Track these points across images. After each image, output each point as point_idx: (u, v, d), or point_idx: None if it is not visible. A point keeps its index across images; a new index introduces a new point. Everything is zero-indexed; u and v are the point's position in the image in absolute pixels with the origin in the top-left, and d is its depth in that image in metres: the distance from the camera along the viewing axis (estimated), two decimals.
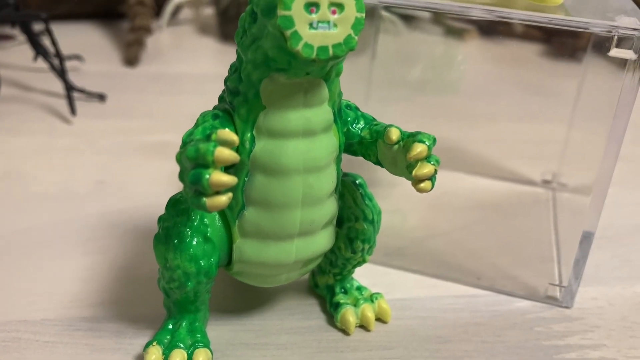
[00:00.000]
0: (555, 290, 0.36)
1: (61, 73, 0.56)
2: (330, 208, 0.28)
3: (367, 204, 0.31)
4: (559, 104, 0.53)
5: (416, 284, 0.37)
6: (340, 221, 0.31)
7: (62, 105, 0.58)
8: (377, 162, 0.28)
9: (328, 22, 0.23)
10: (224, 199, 0.22)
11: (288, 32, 0.22)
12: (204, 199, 0.22)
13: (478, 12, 0.31)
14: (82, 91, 0.58)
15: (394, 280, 0.37)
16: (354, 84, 0.52)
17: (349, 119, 0.29)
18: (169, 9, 0.83)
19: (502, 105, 0.62)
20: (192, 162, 0.22)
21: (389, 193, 0.43)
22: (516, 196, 0.48)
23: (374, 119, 0.29)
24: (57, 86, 0.61)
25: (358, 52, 0.49)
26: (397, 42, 0.53)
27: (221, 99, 0.28)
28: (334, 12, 0.23)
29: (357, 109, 0.29)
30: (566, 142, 0.49)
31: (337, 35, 0.23)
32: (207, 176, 0.22)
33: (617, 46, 0.29)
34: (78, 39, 0.77)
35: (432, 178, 0.26)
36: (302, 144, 0.26)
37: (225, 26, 0.80)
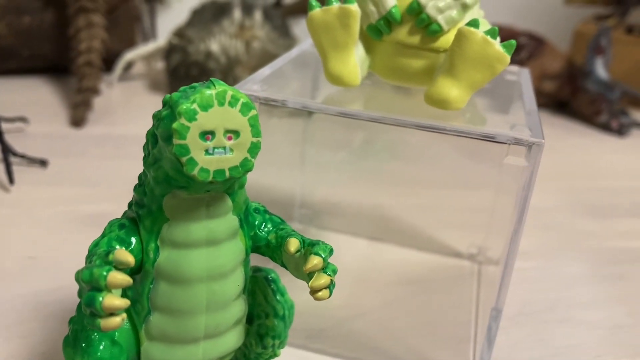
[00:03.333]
0: None
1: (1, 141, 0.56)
2: (236, 310, 0.29)
3: (278, 300, 0.32)
4: (489, 172, 0.55)
5: None
6: (251, 318, 0.32)
7: (2, 171, 0.58)
8: (283, 265, 0.30)
9: (224, 147, 0.24)
10: (117, 321, 0.23)
11: (184, 159, 0.24)
12: (99, 319, 0.23)
13: (389, 120, 0.32)
14: (23, 157, 0.59)
15: None
16: (289, 147, 0.54)
17: (256, 222, 0.30)
18: (120, 64, 0.85)
19: (438, 170, 0.64)
20: (87, 285, 0.23)
21: None
22: (443, 270, 0.49)
23: (282, 222, 0.30)
24: None
25: (293, 114, 0.51)
26: None
27: (130, 205, 0.29)
28: (229, 138, 0.25)
29: (265, 212, 0.30)
30: (492, 212, 0.51)
31: (234, 159, 0.25)
32: (101, 299, 0.23)
33: (512, 152, 0.31)
34: (26, 95, 0.78)
35: (329, 287, 0.27)
36: (205, 253, 0.27)
37: (175, 84, 0.81)
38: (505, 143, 0.31)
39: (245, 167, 0.25)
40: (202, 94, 0.24)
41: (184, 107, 0.23)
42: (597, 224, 0.60)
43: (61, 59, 0.83)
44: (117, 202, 0.54)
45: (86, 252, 0.47)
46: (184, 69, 0.78)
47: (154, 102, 0.81)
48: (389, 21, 0.34)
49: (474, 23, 0.32)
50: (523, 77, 0.43)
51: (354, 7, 0.33)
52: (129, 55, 0.84)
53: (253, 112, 0.25)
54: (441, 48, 0.34)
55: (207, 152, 0.24)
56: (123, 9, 0.86)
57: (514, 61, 0.92)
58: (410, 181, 0.62)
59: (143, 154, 0.27)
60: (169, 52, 0.81)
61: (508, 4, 1.12)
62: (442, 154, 0.66)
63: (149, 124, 0.75)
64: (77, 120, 0.70)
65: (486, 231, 0.51)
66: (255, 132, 0.25)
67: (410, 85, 0.36)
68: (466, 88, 0.32)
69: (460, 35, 0.32)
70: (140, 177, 0.28)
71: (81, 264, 0.45)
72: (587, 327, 0.44)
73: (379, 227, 0.54)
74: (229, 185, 0.26)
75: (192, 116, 0.23)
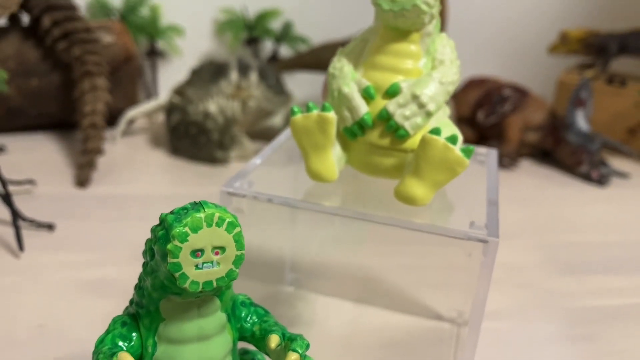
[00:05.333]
0: None
1: (10, 206, 0.60)
2: None
3: None
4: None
5: None
6: None
7: (11, 235, 0.62)
8: (266, 354, 0.33)
9: (212, 262, 0.28)
10: None
11: (177, 274, 0.28)
12: None
13: (363, 216, 0.36)
14: (31, 221, 0.63)
15: None
16: (279, 216, 0.57)
17: (242, 315, 0.34)
18: (123, 121, 0.89)
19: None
20: None
21: (305, 334, 0.48)
22: (424, 333, 0.53)
23: (266, 314, 0.34)
24: (6, 213, 0.66)
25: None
26: None
27: (131, 302, 0.33)
28: (217, 253, 0.28)
29: (250, 304, 0.34)
30: (470, 275, 0.54)
31: (220, 271, 0.29)
32: None
33: (470, 246, 0.35)
34: (33, 154, 0.82)
35: None
36: (197, 347, 0.31)
37: (176, 141, 0.85)
38: (463, 239, 0.35)
39: (231, 276, 0.29)
40: (193, 218, 0.28)
41: (177, 230, 0.27)
42: (570, 281, 0.63)
43: (67, 117, 0.88)
44: (120, 267, 0.58)
45: (93, 320, 0.51)
46: (183, 128, 0.83)
47: (155, 159, 0.86)
48: (362, 125, 0.38)
49: (436, 131, 0.36)
50: (490, 159, 0.47)
51: (331, 115, 0.37)
52: (132, 113, 0.89)
53: (237, 230, 0.29)
54: (409, 149, 0.38)
55: (197, 267, 0.28)
56: (125, 69, 0.90)
57: (499, 114, 0.96)
58: (393, 240, 0.65)
59: (144, 254, 0.31)
60: (169, 110, 0.85)
61: (494, 53, 1.16)
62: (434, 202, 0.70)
63: (150, 182, 0.81)
64: (82, 181, 0.74)
65: (465, 294, 0.54)
66: (239, 246, 0.29)
67: (382, 178, 0.40)
68: (430, 187, 0.36)
69: (424, 142, 0.36)
70: (140, 278, 0.32)
71: (87, 331, 0.49)
72: None
73: (365, 290, 0.57)
74: (217, 290, 0.30)
75: (184, 238, 0.27)
